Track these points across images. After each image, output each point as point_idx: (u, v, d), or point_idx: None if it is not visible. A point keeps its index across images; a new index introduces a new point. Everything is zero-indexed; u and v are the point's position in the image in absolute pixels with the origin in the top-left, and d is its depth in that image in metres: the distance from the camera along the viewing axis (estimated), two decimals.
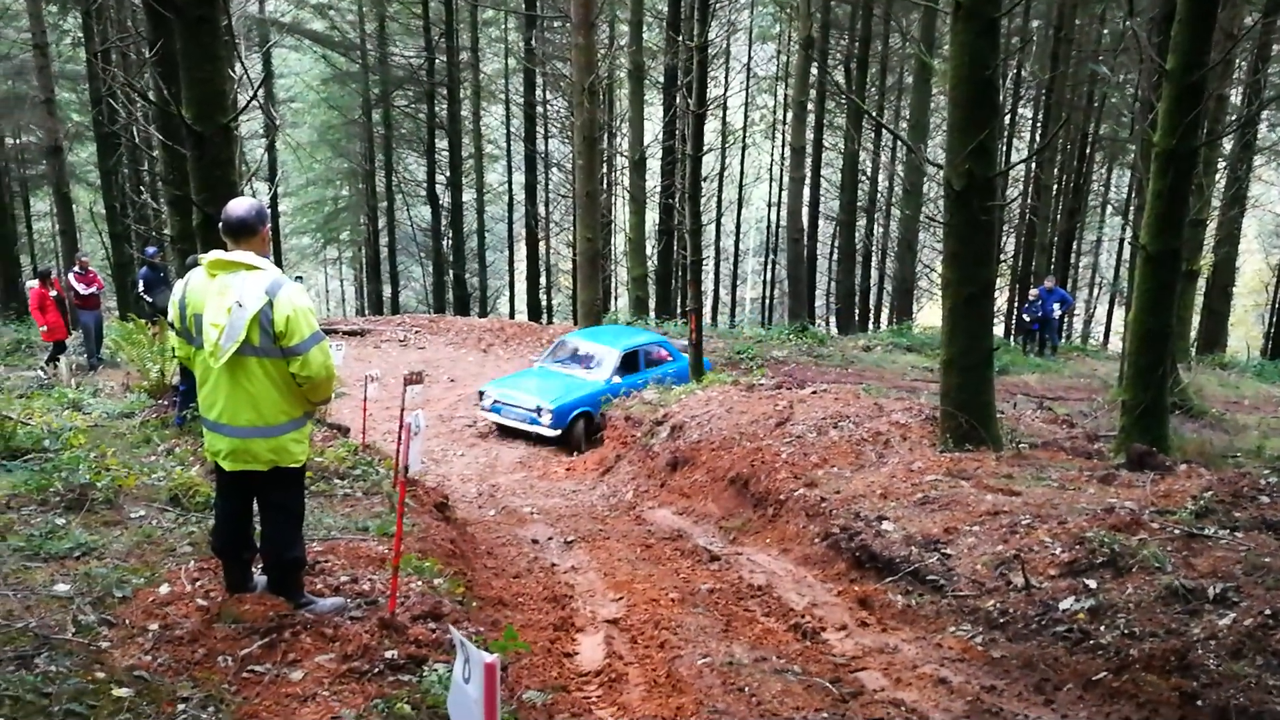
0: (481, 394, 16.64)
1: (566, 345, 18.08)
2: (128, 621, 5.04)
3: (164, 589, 5.44)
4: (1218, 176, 23.93)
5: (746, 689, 5.43)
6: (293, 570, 5.15)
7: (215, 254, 4.70)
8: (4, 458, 7.87)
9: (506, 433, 16.27)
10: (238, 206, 4.76)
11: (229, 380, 4.71)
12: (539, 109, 39.16)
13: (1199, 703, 4.85)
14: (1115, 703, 5.08)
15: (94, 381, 14.15)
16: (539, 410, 15.55)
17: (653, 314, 29.30)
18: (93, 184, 33.34)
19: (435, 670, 4.48)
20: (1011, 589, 6.58)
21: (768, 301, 47.65)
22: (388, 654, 4.65)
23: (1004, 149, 32.67)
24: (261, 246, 4.75)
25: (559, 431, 15.65)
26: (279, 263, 36.25)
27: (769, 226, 46.78)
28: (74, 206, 30.64)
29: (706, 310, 42.49)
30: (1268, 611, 5.44)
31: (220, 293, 4.62)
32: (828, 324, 39.29)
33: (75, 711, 4.00)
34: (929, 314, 37.58)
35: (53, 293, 17.36)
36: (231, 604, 5.07)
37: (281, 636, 4.79)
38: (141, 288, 18.36)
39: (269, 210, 4.96)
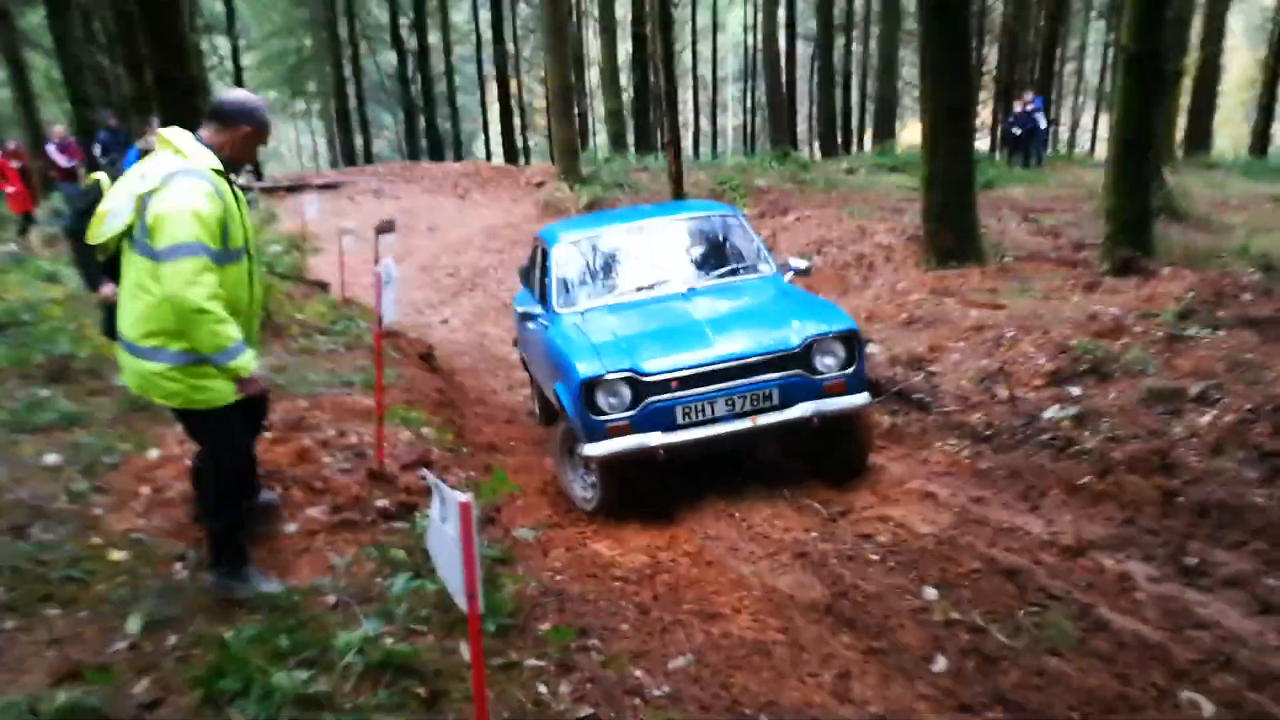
0: (591, 389, 5.71)
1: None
2: (119, 488, 5.08)
3: (153, 453, 5.46)
4: None
5: (737, 514, 5.53)
6: (211, 537, 4.14)
7: (161, 131, 4.00)
8: None
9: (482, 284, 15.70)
10: (225, 93, 4.10)
11: (123, 277, 3.95)
12: None
13: (1180, 499, 4.94)
14: (1099, 505, 5.17)
15: (70, 252, 13.90)
16: (812, 344, 5.88)
17: (632, 148, 28.77)
18: (48, 49, 32.19)
19: (427, 516, 4.52)
20: (997, 402, 6.63)
21: (749, 129, 46.79)
22: (378, 503, 4.70)
23: None
24: (227, 141, 3.93)
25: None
26: None
27: (746, 51, 45.58)
28: (30, 74, 29.64)
29: (688, 141, 41.77)
30: (1248, 407, 5.50)
31: (135, 172, 3.90)
32: (810, 149, 38.69)
33: (73, 577, 4.05)
34: (911, 133, 36.95)
35: (14, 163, 16.92)
36: None
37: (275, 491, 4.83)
38: (99, 151, 17.92)
39: (265, 115, 4.05)
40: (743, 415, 5.75)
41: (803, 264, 7.11)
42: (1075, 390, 6.39)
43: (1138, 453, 5.39)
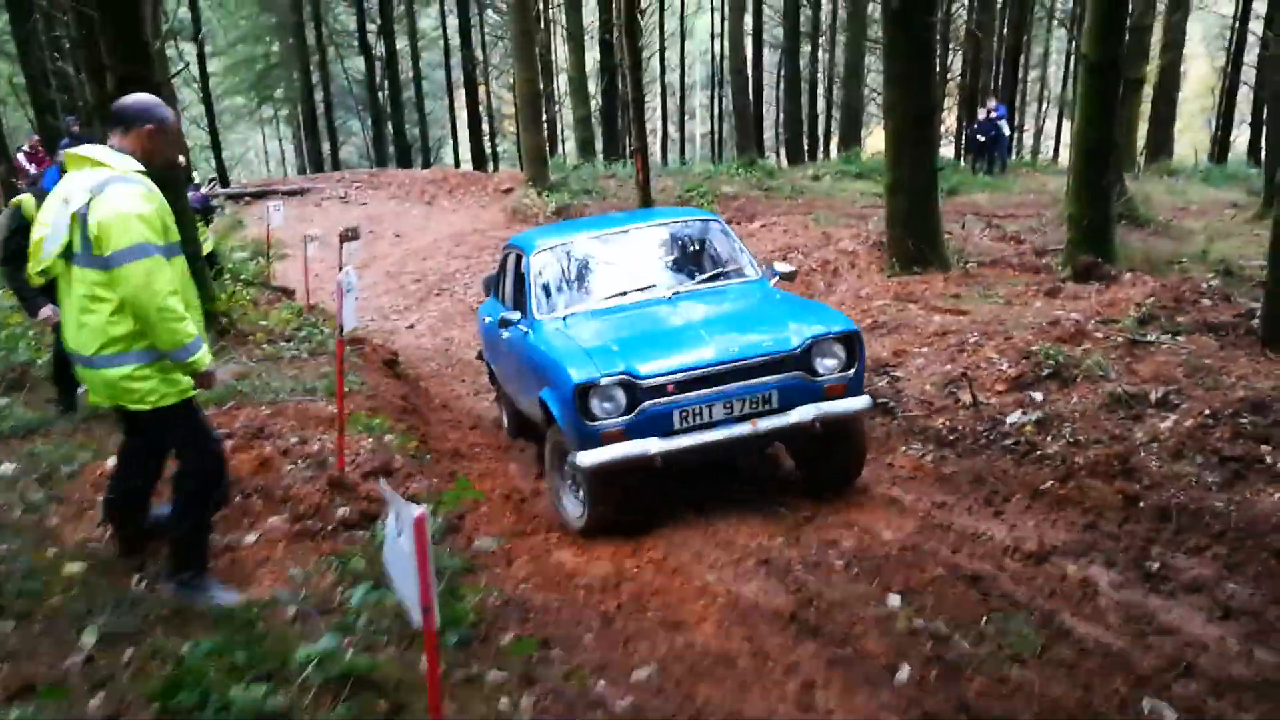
0: (584, 397, 5.39)
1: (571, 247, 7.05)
2: (77, 497, 5.01)
3: (111, 463, 5.37)
4: None
5: (703, 519, 5.51)
6: (176, 541, 4.12)
7: (71, 150, 3.98)
8: None
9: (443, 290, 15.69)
10: (124, 98, 4.06)
11: (66, 296, 3.92)
12: None
13: (1141, 504, 4.98)
14: (1061, 510, 5.20)
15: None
16: (812, 346, 5.61)
17: (600, 155, 28.77)
18: (10, 54, 31.79)
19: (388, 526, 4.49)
20: (960, 407, 6.67)
21: (717, 136, 46.87)
22: (339, 512, 4.65)
23: None
24: (135, 144, 3.91)
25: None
26: (212, 128, 35.06)
27: (714, 58, 45.67)
28: None
29: (656, 148, 41.80)
30: (1207, 411, 5.55)
31: (59, 194, 3.86)
32: (777, 155, 38.83)
33: (28, 590, 3.97)
34: (877, 140, 37.17)
35: None
36: None
37: (232, 502, 4.77)
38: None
39: (164, 112, 4.02)
40: (742, 419, 5.49)
41: (787, 268, 6.83)
42: (1037, 395, 6.44)
43: (1099, 458, 5.43)
